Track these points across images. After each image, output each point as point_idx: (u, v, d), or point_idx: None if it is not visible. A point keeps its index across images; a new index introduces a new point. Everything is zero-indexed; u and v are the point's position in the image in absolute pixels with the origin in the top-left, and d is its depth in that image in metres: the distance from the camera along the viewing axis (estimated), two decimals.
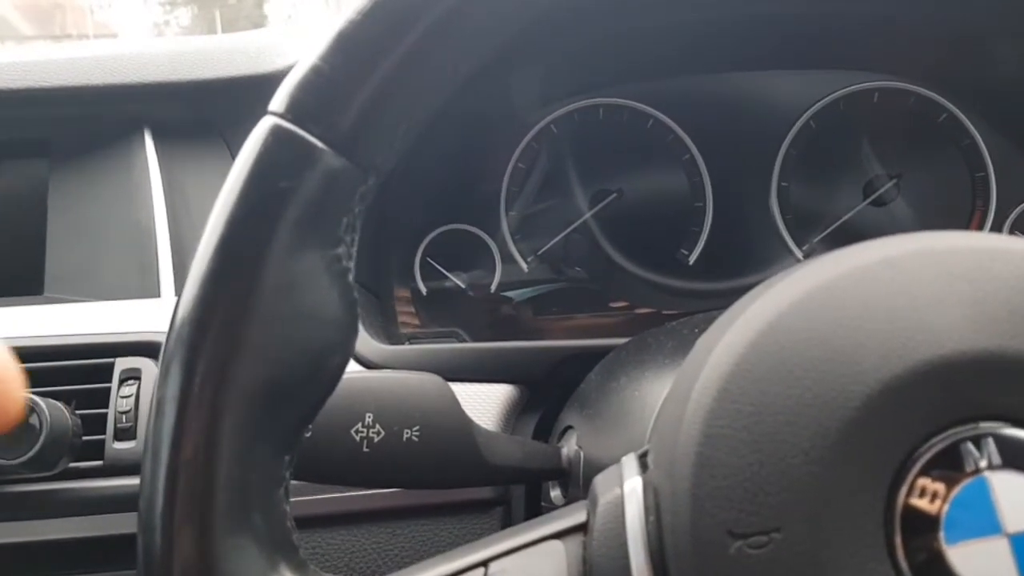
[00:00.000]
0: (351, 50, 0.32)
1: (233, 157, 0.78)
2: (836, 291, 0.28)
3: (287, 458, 0.32)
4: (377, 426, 0.42)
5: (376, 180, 0.33)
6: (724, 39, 0.74)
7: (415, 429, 0.43)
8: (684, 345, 0.44)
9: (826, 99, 0.76)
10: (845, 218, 0.76)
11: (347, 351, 0.33)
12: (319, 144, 0.31)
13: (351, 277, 0.33)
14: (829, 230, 0.76)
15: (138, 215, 0.74)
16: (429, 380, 0.44)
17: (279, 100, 0.32)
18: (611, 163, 0.77)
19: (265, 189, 0.31)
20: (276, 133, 0.31)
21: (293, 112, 0.31)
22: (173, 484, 0.29)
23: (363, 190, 0.33)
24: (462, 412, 0.44)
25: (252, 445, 0.30)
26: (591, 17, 0.69)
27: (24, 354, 0.61)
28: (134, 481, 0.57)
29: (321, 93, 0.31)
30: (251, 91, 0.75)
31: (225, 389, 0.29)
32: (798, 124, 0.76)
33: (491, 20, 0.34)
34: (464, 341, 0.73)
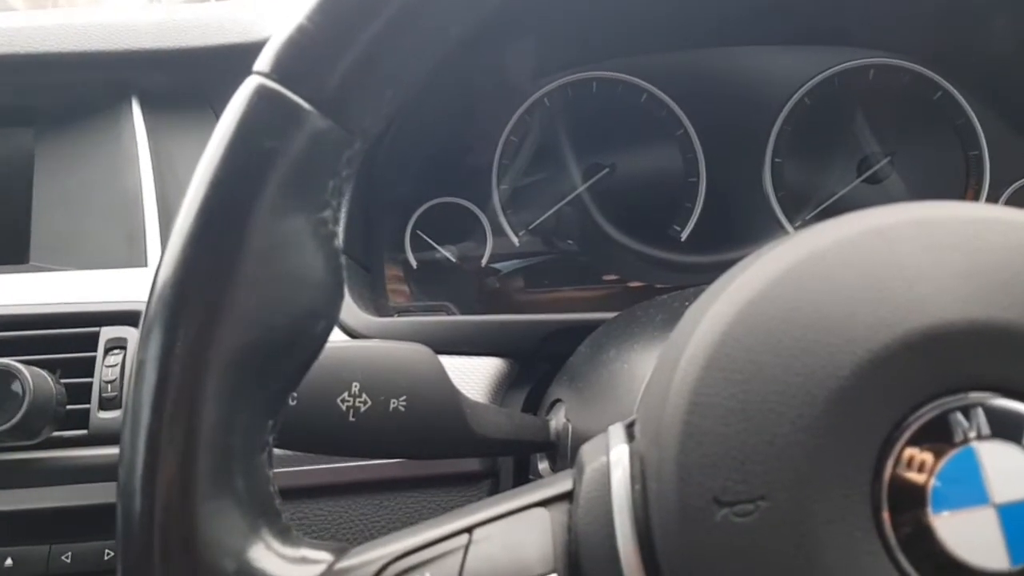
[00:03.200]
0: (337, 9, 0.31)
1: None
2: (826, 261, 0.28)
3: (270, 423, 0.31)
4: (364, 395, 0.42)
5: (363, 144, 0.33)
6: (720, 14, 0.74)
7: (402, 399, 0.42)
8: (674, 318, 0.44)
9: (821, 75, 0.75)
10: (838, 195, 0.75)
11: (332, 316, 0.32)
12: (305, 105, 0.30)
13: (337, 242, 0.32)
14: (822, 207, 0.76)
15: (125, 184, 0.73)
16: (416, 350, 0.44)
17: (264, 60, 0.31)
18: (604, 137, 0.76)
19: (250, 149, 0.30)
20: (261, 93, 0.31)
21: (278, 72, 0.31)
22: (154, 447, 0.28)
23: (349, 154, 0.32)
24: (449, 383, 0.44)
25: (235, 409, 0.29)
26: None
27: (8, 322, 0.61)
28: (115, 450, 0.57)
29: (307, 53, 0.31)
30: (240, 59, 0.73)
31: (207, 351, 0.29)
32: (793, 100, 0.75)
33: None
34: (454, 315, 0.72)
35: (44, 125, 0.77)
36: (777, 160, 0.75)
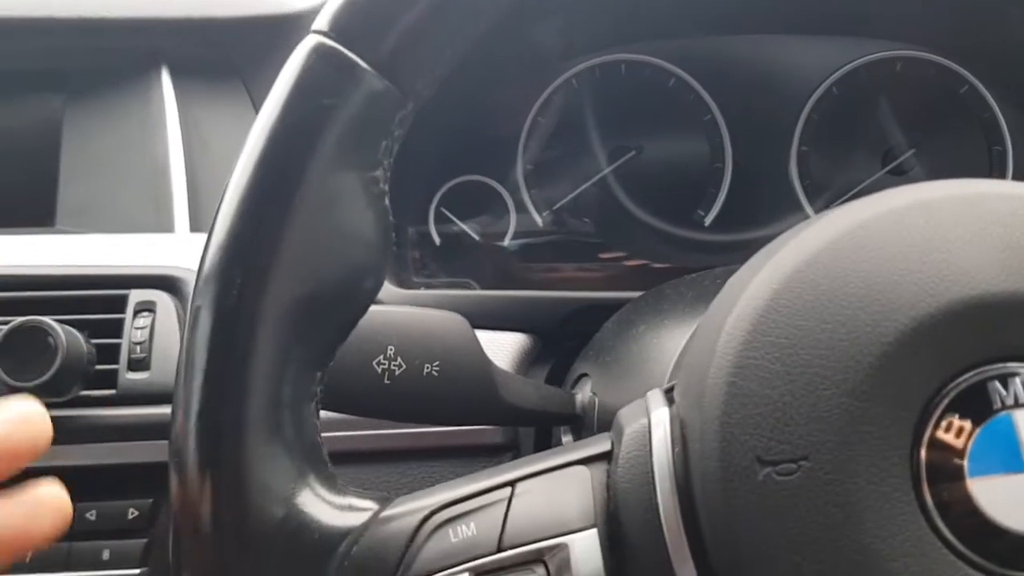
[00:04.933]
0: None
1: (251, 96, 0.78)
2: (872, 231, 0.29)
3: (318, 375, 0.32)
4: (399, 359, 0.42)
5: (415, 106, 0.33)
6: (751, 1, 0.74)
7: (435, 364, 0.43)
8: (704, 295, 0.44)
9: (849, 66, 0.76)
10: (862, 186, 0.76)
11: (379, 274, 0.33)
12: (362, 64, 0.31)
13: (386, 201, 0.33)
14: (846, 197, 0.76)
15: (154, 150, 0.74)
16: (451, 318, 0.45)
17: (324, 19, 0.32)
18: (631, 120, 0.77)
19: (308, 105, 0.31)
20: (320, 52, 0.31)
21: (337, 32, 0.31)
22: (209, 391, 0.29)
23: (402, 114, 0.33)
24: (481, 351, 0.45)
25: (286, 358, 0.30)
26: None
27: (37, 282, 0.61)
28: (146, 411, 0.57)
29: (366, 14, 0.32)
30: (270, 30, 0.75)
31: (262, 300, 0.30)
32: (820, 89, 0.75)
33: None
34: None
35: (74, 91, 0.78)
36: (803, 148, 0.76)
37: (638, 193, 0.77)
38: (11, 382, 0.52)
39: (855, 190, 0.76)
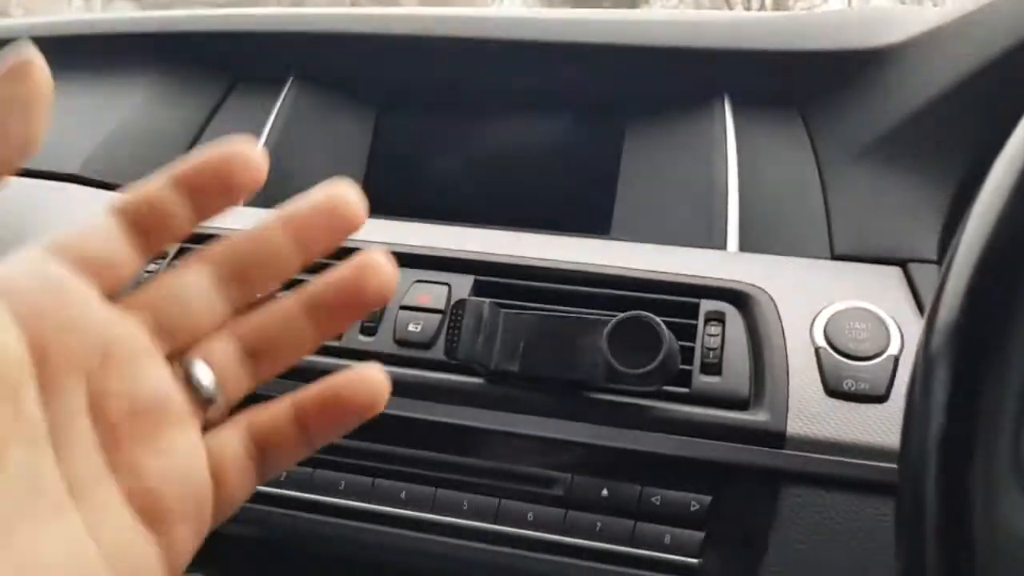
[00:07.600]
0: None
1: (808, 130, 0.79)
2: None
3: None
4: None
5: None
6: None
7: None
8: None
9: None
10: None
11: None
12: None
13: None
14: None
15: (710, 171, 0.79)
16: None
17: None
18: None
19: None
20: None
21: None
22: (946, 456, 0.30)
23: None
24: None
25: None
26: None
27: (616, 282, 0.68)
28: (716, 412, 0.61)
29: None
30: (833, 64, 0.76)
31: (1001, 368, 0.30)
32: None
33: None
34: None
35: (635, 111, 0.85)
36: None
37: None
38: (618, 366, 0.58)
39: None
